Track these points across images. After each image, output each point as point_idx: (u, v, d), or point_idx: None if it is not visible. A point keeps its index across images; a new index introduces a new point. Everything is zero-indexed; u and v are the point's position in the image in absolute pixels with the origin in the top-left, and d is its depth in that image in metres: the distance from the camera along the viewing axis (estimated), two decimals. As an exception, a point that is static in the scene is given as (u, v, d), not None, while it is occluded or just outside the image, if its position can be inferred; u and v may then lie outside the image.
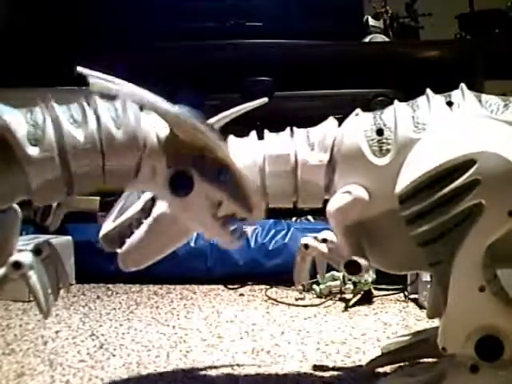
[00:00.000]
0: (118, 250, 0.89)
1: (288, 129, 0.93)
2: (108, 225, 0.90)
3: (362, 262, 0.85)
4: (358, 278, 1.46)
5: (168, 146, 0.79)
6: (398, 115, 0.85)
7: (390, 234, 0.86)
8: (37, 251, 0.81)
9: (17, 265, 0.78)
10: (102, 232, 0.89)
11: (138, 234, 0.88)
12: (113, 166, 0.79)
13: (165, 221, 0.87)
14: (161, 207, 0.88)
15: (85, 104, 0.79)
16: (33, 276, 0.78)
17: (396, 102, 0.89)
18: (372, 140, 0.85)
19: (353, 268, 0.86)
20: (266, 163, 0.89)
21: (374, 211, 0.86)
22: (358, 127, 0.87)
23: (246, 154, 0.89)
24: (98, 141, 0.77)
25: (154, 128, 0.79)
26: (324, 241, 0.95)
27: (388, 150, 0.84)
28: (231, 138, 0.91)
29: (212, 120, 0.89)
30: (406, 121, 0.84)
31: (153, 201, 0.89)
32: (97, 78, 0.78)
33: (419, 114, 0.84)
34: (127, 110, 0.78)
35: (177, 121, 0.77)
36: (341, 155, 0.88)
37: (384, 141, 0.85)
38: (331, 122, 0.93)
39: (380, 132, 0.85)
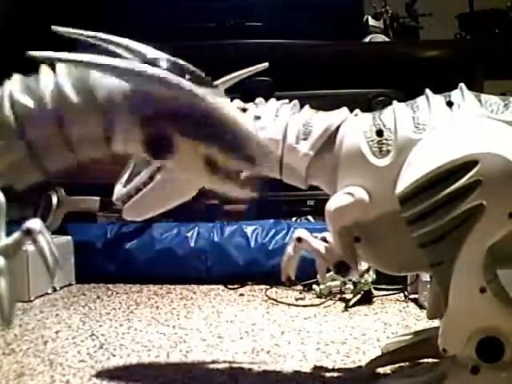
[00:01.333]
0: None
1: (289, 104, 0.96)
2: (119, 189, 0.91)
3: (352, 264, 0.85)
4: (357, 278, 1.46)
5: (139, 107, 0.71)
6: (398, 116, 0.85)
7: (390, 234, 0.86)
8: (27, 231, 0.78)
9: None
10: (115, 196, 0.90)
11: (145, 189, 0.88)
12: (77, 135, 0.73)
13: (170, 175, 0.86)
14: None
15: (45, 70, 0.75)
16: (1, 282, 0.76)
17: (395, 102, 0.88)
18: (372, 141, 0.85)
19: (342, 269, 0.86)
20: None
21: (374, 212, 0.86)
22: (357, 128, 0.87)
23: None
24: (52, 106, 0.72)
25: (121, 89, 0.72)
26: (324, 240, 0.95)
27: (388, 151, 0.84)
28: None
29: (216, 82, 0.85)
30: (406, 121, 0.84)
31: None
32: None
33: (419, 115, 0.84)
34: (90, 74, 0.73)
35: (153, 82, 0.70)
36: (341, 155, 0.87)
37: (384, 142, 0.85)
38: (339, 114, 0.93)
39: (380, 133, 0.85)
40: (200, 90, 0.71)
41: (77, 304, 1.49)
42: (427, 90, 0.87)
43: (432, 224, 0.76)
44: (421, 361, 0.98)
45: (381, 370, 0.98)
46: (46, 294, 1.58)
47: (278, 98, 1.00)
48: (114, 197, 0.91)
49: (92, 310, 1.43)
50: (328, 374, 1.00)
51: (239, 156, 0.75)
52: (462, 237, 0.75)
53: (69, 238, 1.70)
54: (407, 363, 0.99)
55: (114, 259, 1.73)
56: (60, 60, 0.72)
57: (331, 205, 0.86)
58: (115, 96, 0.72)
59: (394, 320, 1.31)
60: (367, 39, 2.27)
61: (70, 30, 0.79)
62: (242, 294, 1.57)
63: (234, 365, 1.04)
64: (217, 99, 0.73)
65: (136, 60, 0.75)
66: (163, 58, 0.74)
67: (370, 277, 1.46)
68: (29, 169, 0.74)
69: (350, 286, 1.47)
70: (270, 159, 0.81)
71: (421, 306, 1.40)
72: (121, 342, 1.18)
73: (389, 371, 0.98)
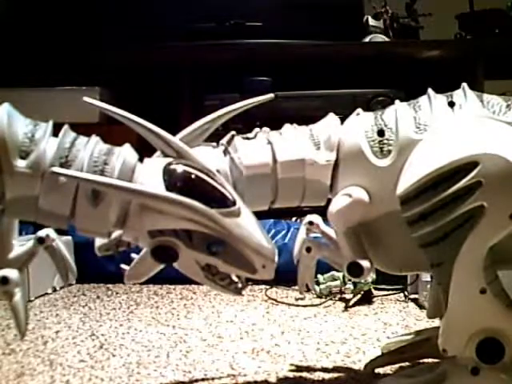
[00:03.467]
0: (124, 266, 0.87)
1: (288, 126, 0.92)
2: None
3: (365, 264, 0.85)
4: (358, 279, 1.46)
5: (151, 221, 0.74)
6: (400, 116, 0.85)
7: (391, 234, 0.86)
8: (40, 240, 0.81)
9: (4, 280, 0.76)
10: (97, 244, 0.88)
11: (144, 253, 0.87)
12: (84, 228, 0.77)
13: None
14: None
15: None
16: (17, 294, 0.77)
17: (397, 101, 0.88)
18: (373, 141, 0.85)
19: (355, 270, 0.85)
20: (278, 169, 0.87)
21: (375, 213, 0.85)
22: (358, 127, 0.87)
23: (256, 158, 0.87)
24: (70, 210, 0.75)
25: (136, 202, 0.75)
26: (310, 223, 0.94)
27: (389, 151, 0.84)
28: (238, 139, 0.89)
29: (217, 114, 0.86)
30: (408, 121, 0.84)
31: None
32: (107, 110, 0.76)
33: (421, 115, 0.84)
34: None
35: (166, 203, 0.73)
36: (342, 156, 0.87)
37: (385, 142, 0.84)
38: (333, 119, 0.91)
39: (381, 133, 0.85)
40: (213, 214, 0.74)
41: (77, 304, 1.49)
42: (429, 90, 0.87)
43: (433, 225, 0.76)
44: (421, 361, 0.98)
45: (381, 370, 0.98)
46: (46, 293, 1.58)
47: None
48: (96, 244, 0.87)
49: (92, 309, 1.43)
50: (328, 374, 1.00)
51: (242, 267, 0.78)
52: (463, 238, 0.75)
53: (69, 238, 1.70)
54: (407, 363, 0.99)
55: (113, 259, 1.72)
56: (80, 179, 0.73)
57: (333, 208, 0.85)
58: (130, 208, 0.75)
59: (394, 320, 1.31)
60: (367, 39, 2.27)
61: (103, 104, 0.80)
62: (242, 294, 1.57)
63: (234, 365, 1.04)
64: (228, 222, 0.75)
65: (164, 150, 0.79)
66: (182, 170, 0.76)
67: (370, 277, 1.46)
68: (27, 211, 0.75)
69: (350, 285, 1.47)
70: (272, 269, 0.80)
71: (421, 306, 1.40)
72: (121, 342, 1.18)
73: (389, 371, 0.98)
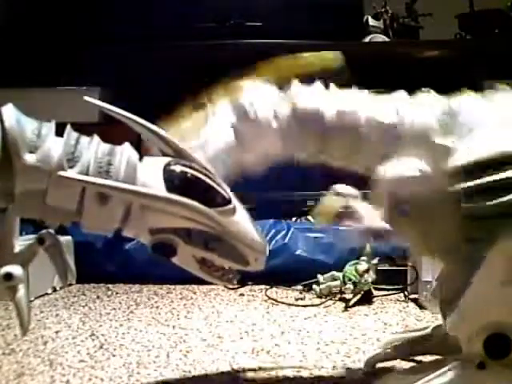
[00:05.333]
0: None
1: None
2: None
3: (388, 234, 0.85)
4: (358, 278, 1.46)
5: (151, 220, 0.77)
6: (464, 101, 0.85)
7: (439, 215, 0.85)
8: (40, 240, 0.81)
9: (8, 276, 0.78)
10: None
11: None
12: (90, 225, 0.78)
13: None
14: None
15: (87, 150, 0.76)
16: (21, 290, 0.78)
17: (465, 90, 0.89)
18: (442, 121, 0.85)
19: (376, 235, 0.86)
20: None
21: (429, 188, 0.84)
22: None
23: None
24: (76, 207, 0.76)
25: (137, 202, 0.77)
26: None
27: (451, 132, 0.84)
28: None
29: None
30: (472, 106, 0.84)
31: None
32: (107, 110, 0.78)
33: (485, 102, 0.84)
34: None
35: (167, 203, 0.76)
36: (405, 130, 0.86)
37: (448, 123, 0.84)
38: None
39: (448, 115, 0.85)
40: (211, 212, 0.77)
41: (77, 304, 1.49)
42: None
43: (489, 201, 0.76)
44: (422, 358, 0.98)
45: (381, 370, 0.98)
46: (46, 294, 1.58)
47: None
48: None
49: (92, 310, 1.43)
50: (328, 374, 1.00)
51: (236, 260, 0.81)
52: (507, 225, 0.75)
53: (69, 238, 1.70)
54: (407, 362, 0.99)
55: (113, 259, 1.73)
56: (87, 183, 0.74)
57: (391, 172, 0.84)
58: (132, 207, 0.76)
59: (393, 320, 1.31)
60: (367, 39, 2.27)
61: (103, 104, 0.81)
62: (242, 294, 1.57)
63: (234, 365, 1.04)
64: (225, 220, 0.78)
65: (163, 149, 0.80)
66: (179, 171, 0.78)
67: (370, 277, 1.46)
68: (34, 207, 0.76)
69: (350, 285, 1.47)
70: (263, 261, 0.83)
71: (421, 306, 1.40)
72: (121, 342, 1.18)
73: (389, 371, 0.98)
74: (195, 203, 0.75)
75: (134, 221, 0.77)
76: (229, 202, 0.79)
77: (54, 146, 0.75)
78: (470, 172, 0.78)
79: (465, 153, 0.80)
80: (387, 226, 0.87)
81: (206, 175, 0.79)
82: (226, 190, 0.80)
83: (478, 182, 0.77)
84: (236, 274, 0.85)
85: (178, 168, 0.78)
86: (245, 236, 0.80)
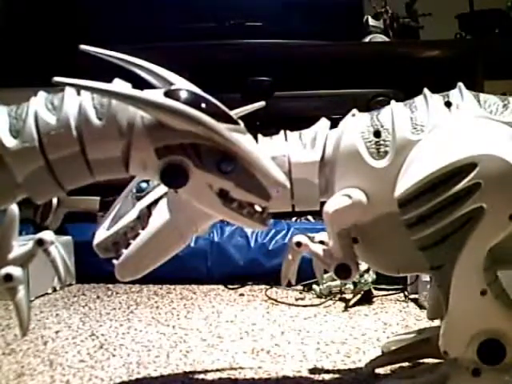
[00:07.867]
0: (115, 261, 0.87)
1: (282, 132, 0.92)
2: (101, 233, 0.87)
3: (353, 266, 0.85)
4: (357, 278, 1.46)
5: (156, 136, 0.72)
6: (396, 116, 0.84)
7: (388, 236, 0.86)
8: (39, 241, 0.81)
9: (8, 277, 0.78)
10: (96, 240, 0.87)
11: (136, 244, 0.86)
12: (97, 157, 0.74)
13: (164, 228, 0.85)
14: (157, 217, 0.86)
15: (70, 91, 0.75)
16: (21, 291, 0.78)
17: (393, 102, 0.88)
18: (369, 142, 0.85)
19: (343, 272, 0.85)
20: None
21: (372, 214, 0.85)
22: (355, 128, 0.87)
23: None
24: (74, 127, 0.72)
25: (141, 117, 0.73)
26: (321, 242, 0.94)
27: (386, 152, 0.84)
28: None
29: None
30: (404, 122, 0.84)
31: (148, 209, 0.87)
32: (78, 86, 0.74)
33: (417, 115, 0.84)
34: (111, 101, 0.74)
35: (171, 114, 0.71)
36: (338, 157, 0.87)
37: (382, 143, 0.84)
38: (323, 122, 0.92)
39: (377, 134, 0.85)
40: (219, 126, 0.72)
41: (77, 304, 1.49)
42: (425, 90, 0.86)
43: (432, 227, 0.76)
44: (421, 361, 0.98)
45: (381, 370, 0.98)
46: (46, 294, 1.58)
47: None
48: (95, 241, 0.87)
49: (92, 310, 1.43)
50: (328, 374, 1.00)
51: (255, 193, 0.75)
52: (463, 240, 0.75)
53: (69, 238, 1.70)
54: (407, 363, 0.99)
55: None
56: (85, 88, 0.72)
57: (329, 207, 0.85)
58: (135, 123, 0.73)
59: (393, 320, 1.31)
60: (367, 39, 2.27)
61: (98, 49, 0.80)
62: (242, 294, 1.57)
63: (234, 365, 1.04)
64: (236, 135, 0.73)
65: (159, 86, 0.77)
66: (185, 89, 0.74)
67: (370, 277, 1.46)
68: (46, 182, 0.74)
69: (350, 285, 1.47)
70: (285, 193, 0.80)
71: (421, 306, 1.40)
72: (121, 342, 1.18)
73: (389, 371, 0.98)
74: (200, 113, 0.71)
75: (137, 141, 0.72)
76: (238, 123, 0.74)
77: (35, 120, 0.73)
78: (409, 202, 0.78)
79: (402, 182, 0.80)
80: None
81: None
82: (232, 114, 0.75)
83: (416, 211, 0.77)
84: (268, 213, 0.79)
85: (180, 89, 0.74)
86: (261, 160, 0.74)
